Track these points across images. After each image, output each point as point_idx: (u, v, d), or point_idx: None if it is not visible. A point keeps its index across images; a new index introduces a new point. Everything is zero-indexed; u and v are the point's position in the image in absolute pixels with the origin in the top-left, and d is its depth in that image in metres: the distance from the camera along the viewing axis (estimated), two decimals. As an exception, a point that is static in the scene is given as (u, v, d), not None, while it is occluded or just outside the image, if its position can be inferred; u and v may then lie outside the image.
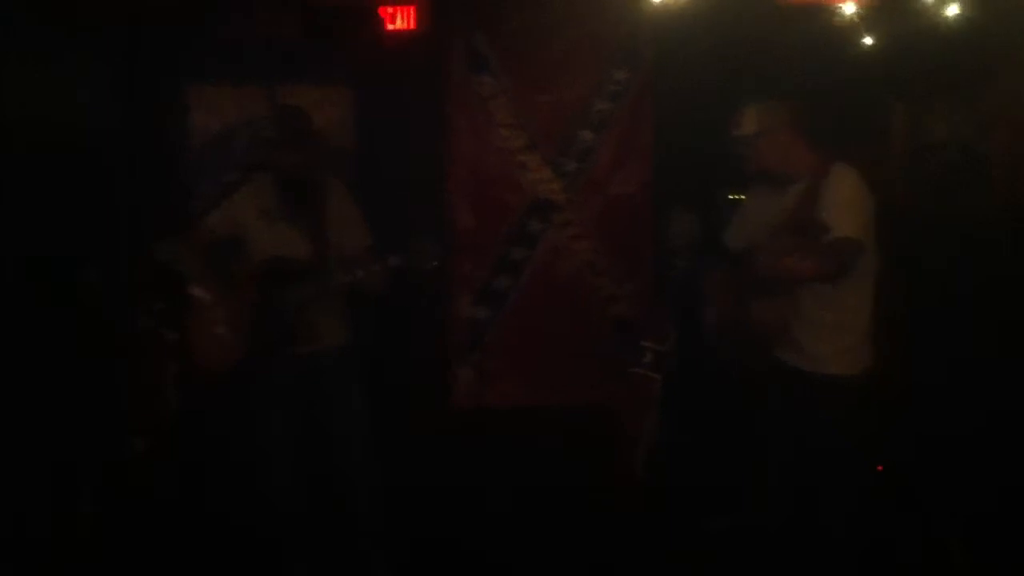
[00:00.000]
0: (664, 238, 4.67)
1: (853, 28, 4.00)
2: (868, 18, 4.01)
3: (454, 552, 3.98)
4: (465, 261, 5.21)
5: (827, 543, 3.26)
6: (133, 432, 4.40)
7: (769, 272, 2.98)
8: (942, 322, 3.99)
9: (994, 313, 4.14)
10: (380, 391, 3.81)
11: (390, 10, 4.88)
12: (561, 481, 4.53)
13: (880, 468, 4.17)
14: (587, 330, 5.27)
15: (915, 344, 3.66)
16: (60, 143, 4.37)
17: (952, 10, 3.65)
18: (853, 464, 3.29)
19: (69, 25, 4.35)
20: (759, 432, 3.50)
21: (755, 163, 3.30)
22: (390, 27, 4.90)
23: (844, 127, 4.30)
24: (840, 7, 3.97)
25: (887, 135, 4.98)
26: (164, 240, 3.60)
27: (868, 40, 4.10)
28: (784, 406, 3.35)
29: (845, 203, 3.07)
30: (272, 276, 3.48)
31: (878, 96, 4.86)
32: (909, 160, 4.92)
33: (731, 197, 4.56)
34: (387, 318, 4.36)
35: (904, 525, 3.93)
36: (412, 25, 4.91)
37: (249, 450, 3.70)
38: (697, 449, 4.35)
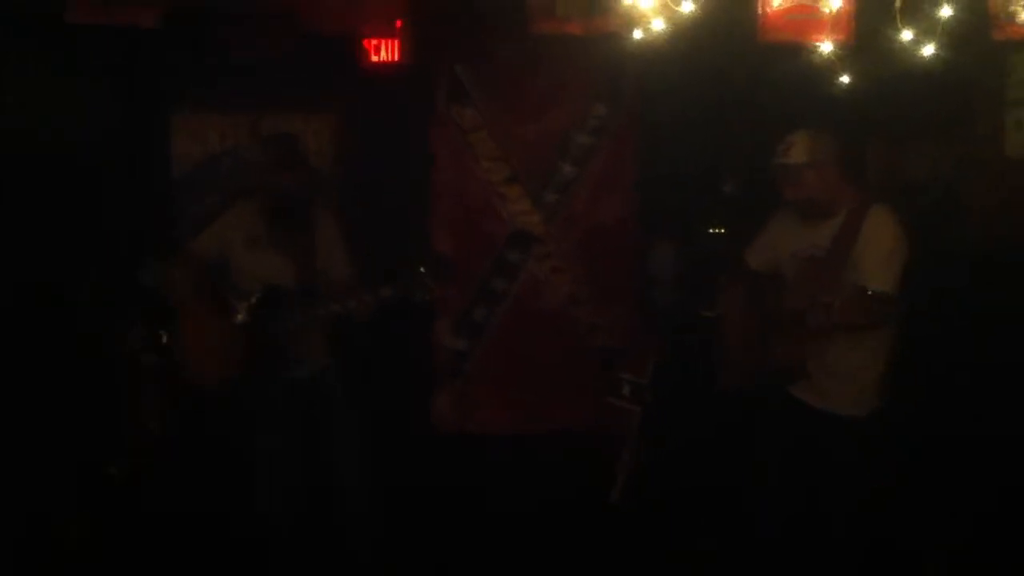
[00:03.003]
0: (647, 269, 4.70)
1: (831, 67, 4.07)
2: (845, 58, 4.08)
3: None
4: (446, 290, 5.20)
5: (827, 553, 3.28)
6: (120, 448, 4.37)
7: (801, 311, 2.96)
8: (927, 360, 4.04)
9: (972, 349, 4.21)
10: (367, 408, 3.84)
11: (374, 42, 4.91)
12: (543, 502, 4.57)
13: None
14: (567, 361, 5.27)
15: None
16: (41, 158, 4.37)
17: (928, 51, 3.71)
18: (858, 497, 3.29)
19: (59, 43, 4.36)
20: (758, 460, 3.49)
21: (798, 192, 3.24)
22: (374, 59, 4.94)
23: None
24: (818, 46, 4.04)
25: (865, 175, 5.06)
26: (150, 264, 3.59)
27: (845, 79, 4.17)
28: (789, 439, 3.34)
29: (886, 254, 3.06)
30: (261, 301, 3.48)
31: (856, 136, 4.94)
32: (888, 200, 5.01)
33: (712, 231, 4.62)
34: (374, 338, 4.36)
35: (904, 526, 3.93)
36: (395, 57, 4.94)
37: (241, 467, 3.70)
38: (683, 474, 4.37)
